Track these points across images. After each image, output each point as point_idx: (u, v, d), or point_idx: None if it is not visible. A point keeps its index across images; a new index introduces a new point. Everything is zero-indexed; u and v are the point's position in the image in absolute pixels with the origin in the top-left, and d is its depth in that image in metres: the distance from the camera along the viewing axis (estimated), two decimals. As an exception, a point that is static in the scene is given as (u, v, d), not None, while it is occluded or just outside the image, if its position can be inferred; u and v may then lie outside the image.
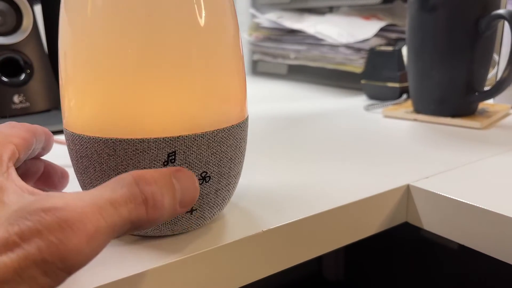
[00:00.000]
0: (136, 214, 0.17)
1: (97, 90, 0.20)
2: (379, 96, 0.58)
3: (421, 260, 0.55)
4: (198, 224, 0.23)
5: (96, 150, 0.20)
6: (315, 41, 0.69)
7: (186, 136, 0.20)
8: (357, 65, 0.64)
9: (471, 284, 0.49)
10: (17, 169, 0.23)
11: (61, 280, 0.15)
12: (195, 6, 0.20)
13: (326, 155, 0.36)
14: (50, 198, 0.15)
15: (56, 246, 0.14)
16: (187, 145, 0.20)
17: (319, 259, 0.69)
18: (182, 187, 0.18)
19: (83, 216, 0.15)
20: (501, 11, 0.42)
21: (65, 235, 0.14)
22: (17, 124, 0.22)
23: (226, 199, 0.23)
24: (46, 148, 0.24)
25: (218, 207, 0.23)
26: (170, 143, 0.20)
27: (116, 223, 0.16)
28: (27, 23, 0.48)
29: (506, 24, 0.48)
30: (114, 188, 0.17)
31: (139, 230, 0.17)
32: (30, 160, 0.24)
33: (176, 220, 0.22)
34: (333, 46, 0.66)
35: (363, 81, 0.60)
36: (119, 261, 0.21)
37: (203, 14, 0.20)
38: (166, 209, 0.18)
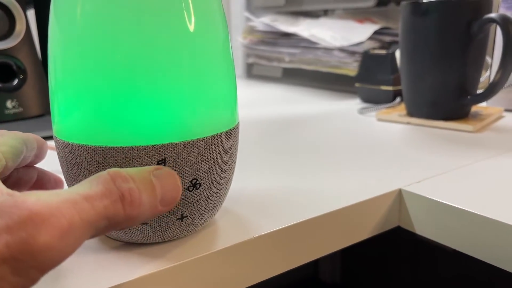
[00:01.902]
0: (112, 210, 0.16)
1: (86, 97, 0.20)
2: (373, 99, 0.58)
3: (417, 263, 0.55)
4: (189, 231, 0.23)
5: (85, 158, 0.20)
6: (309, 44, 0.69)
7: (176, 144, 0.20)
8: (351, 68, 0.64)
9: (467, 286, 0.50)
10: (8, 178, 0.23)
11: (34, 279, 0.14)
12: (185, 12, 0.20)
13: (319, 160, 0.36)
14: (24, 195, 0.15)
15: (26, 241, 0.14)
16: (177, 153, 0.20)
17: (315, 262, 0.69)
18: (162, 185, 0.18)
19: (56, 211, 0.14)
20: (492, 15, 0.42)
21: (36, 230, 0.14)
22: (6, 132, 0.22)
23: (217, 205, 0.23)
24: (39, 156, 0.24)
25: (209, 213, 0.23)
26: (159, 151, 0.20)
27: (91, 219, 0.15)
28: (20, 28, 0.48)
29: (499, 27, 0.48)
30: (90, 185, 0.16)
31: (119, 228, 0.17)
32: (23, 168, 0.24)
33: (166, 227, 0.22)
34: (328, 49, 0.66)
35: (357, 84, 0.60)
36: (109, 268, 0.21)
37: (193, 20, 0.20)
38: (145, 206, 0.17)
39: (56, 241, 0.14)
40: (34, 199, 0.15)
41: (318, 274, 0.73)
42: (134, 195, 0.17)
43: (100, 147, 0.20)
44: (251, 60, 0.84)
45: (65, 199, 0.15)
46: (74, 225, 0.15)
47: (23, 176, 0.25)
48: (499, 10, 0.51)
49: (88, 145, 0.20)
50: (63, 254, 0.15)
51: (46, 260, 0.14)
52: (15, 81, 0.48)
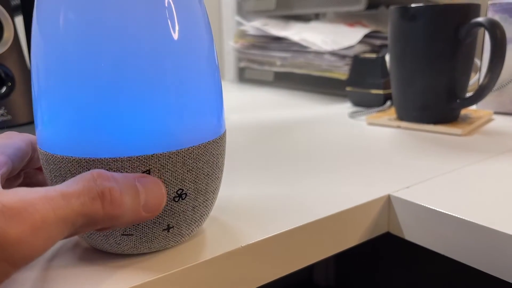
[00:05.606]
0: (90, 208, 0.16)
1: (68, 107, 0.20)
2: (364, 103, 0.58)
3: (412, 265, 0.55)
4: (176, 241, 0.23)
5: (69, 170, 0.20)
6: (300, 48, 0.69)
7: (161, 154, 0.20)
8: (342, 72, 0.64)
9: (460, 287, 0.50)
10: (16, 179, 0.24)
11: (6, 272, 0.14)
12: (168, 20, 0.20)
13: (308, 165, 0.36)
14: (2, 190, 0.15)
15: None
16: (162, 163, 0.20)
17: (309, 266, 0.69)
18: (146, 191, 0.18)
19: (29, 206, 0.15)
20: (480, 19, 0.42)
21: (7, 223, 0.14)
22: (15, 134, 0.23)
23: (204, 215, 0.23)
24: None
25: (196, 223, 0.23)
26: (144, 162, 0.20)
27: (67, 216, 0.15)
28: (7, 36, 0.47)
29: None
30: (71, 183, 0.17)
31: (101, 227, 0.17)
32: (34, 170, 0.25)
33: (153, 237, 0.21)
34: (318, 53, 0.66)
35: (348, 88, 0.60)
36: (95, 280, 0.21)
37: (177, 28, 0.20)
38: (126, 208, 0.17)
39: (28, 235, 0.14)
40: (10, 194, 0.15)
41: (312, 277, 0.72)
42: (115, 194, 0.17)
43: (84, 159, 0.20)
44: (242, 64, 0.84)
45: (41, 196, 0.15)
46: (48, 221, 0.15)
47: (32, 179, 0.25)
48: (487, 13, 0.51)
49: (71, 156, 0.20)
50: (35, 248, 0.15)
51: (17, 254, 0.14)
52: (3, 89, 0.48)
